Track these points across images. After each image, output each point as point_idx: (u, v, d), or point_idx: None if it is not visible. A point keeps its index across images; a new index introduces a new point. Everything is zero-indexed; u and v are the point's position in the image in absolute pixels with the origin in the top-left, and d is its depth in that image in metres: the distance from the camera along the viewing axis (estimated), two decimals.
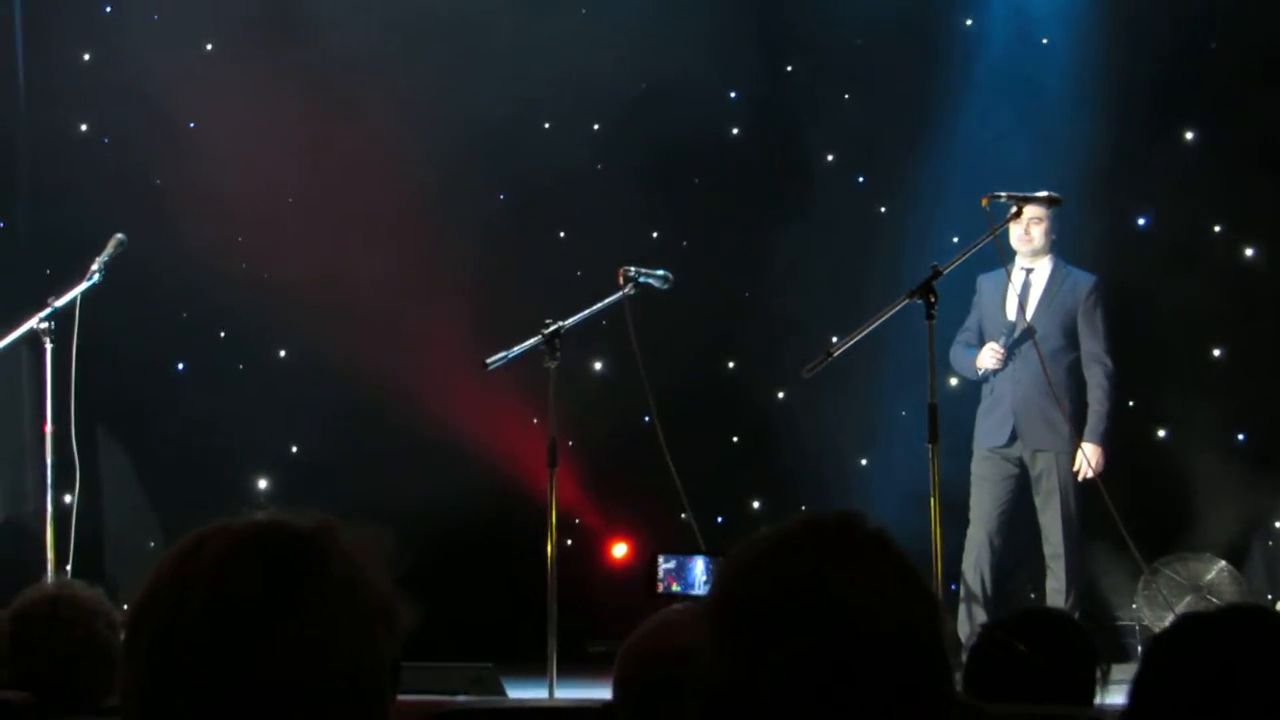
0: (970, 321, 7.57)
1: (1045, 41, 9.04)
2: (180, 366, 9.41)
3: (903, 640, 1.53)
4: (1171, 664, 1.74)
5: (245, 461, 9.29)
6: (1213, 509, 8.32)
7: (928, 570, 5.70)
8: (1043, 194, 6.99)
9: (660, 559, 4.86)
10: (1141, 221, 9.18)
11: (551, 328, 6.29)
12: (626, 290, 6.58)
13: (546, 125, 9.38)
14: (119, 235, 6.84)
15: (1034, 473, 7.38)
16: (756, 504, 9.38)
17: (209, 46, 9.24)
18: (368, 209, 8.91)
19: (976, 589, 7.26)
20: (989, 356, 7.36)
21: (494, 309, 8.29)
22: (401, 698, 1.58)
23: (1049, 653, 3.08)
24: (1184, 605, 7.67)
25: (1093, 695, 3.14)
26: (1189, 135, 9.14)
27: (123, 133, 8.99)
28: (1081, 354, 7.36)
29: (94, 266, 6.72)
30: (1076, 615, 6.55)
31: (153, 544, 8.88)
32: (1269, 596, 8.33)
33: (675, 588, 4.81)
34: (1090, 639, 3.21)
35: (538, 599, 6.25)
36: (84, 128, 9.29)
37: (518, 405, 8.22)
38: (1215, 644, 1.73)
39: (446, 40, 8.79)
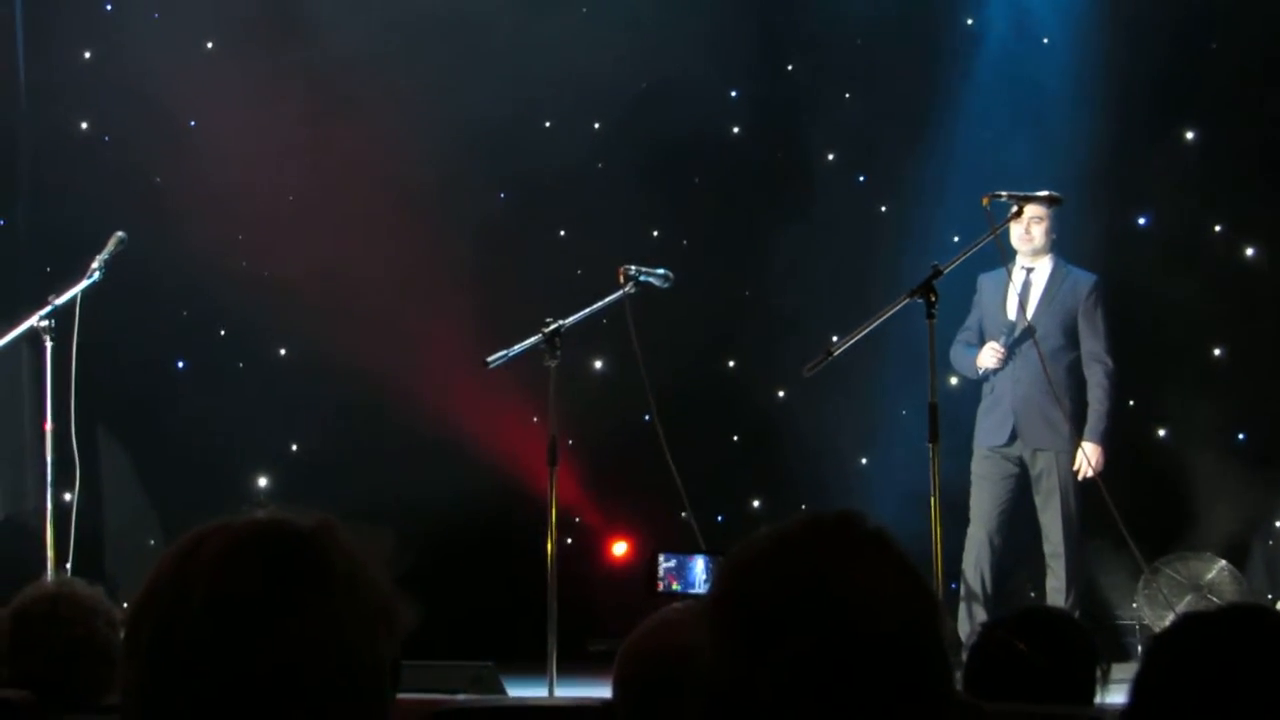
0: (971, 321, 7.57)
1: (1045, 41, 9.04)
2: (180, 365, 9.40)
3: (903, 640, 1.53)
4: (1172, 663, 1.74)
5: (245, 460, 9.29)
6: (1213, 508, 8.33)
7: (928, 570, 5.70)
8: (1043, 193, 7.00)
9: (660, 558, 4.85)
10: (1141, 221, 9.19)
11: (552, 326, 6.29)
12: (627, 289, 6.58)
13: (547, 124, 9.38)
14: (119, 233, 6.83)
15: (1034, 472, 7.38)
16: (756, 503, 9.38)
17: (209, 45, 9.23)
18: (368, 208, 8.90)
19: (977, 588, 7.26)
20: (989, 356, 7.35)
21: (494, 308, 8.28)
22: (401, 696, 1.58)
23: (1049, 652, 3.08)
24: (1184, 604, 7.68)
25: (1093, 695, 3.14)
26: (1189, 135, 9.14)
27: (123, 131, 8.98)
28: (1082, 353, 7.36)
29: (94, 265, 6.71)
30: (1077, 614, 6.54)
31: (153, 542, 8.87)
32: (1269, 596, 8.33)
33: (675, 586, 4.80)
34: (1090, 638, 3.21)
35: (538, 597, 6.24)
36: (84, 126, 9.28)
37: (518, 404, 8.21)
38: (1216, 643, 1.73)
39: (446, 40, 8.79)
